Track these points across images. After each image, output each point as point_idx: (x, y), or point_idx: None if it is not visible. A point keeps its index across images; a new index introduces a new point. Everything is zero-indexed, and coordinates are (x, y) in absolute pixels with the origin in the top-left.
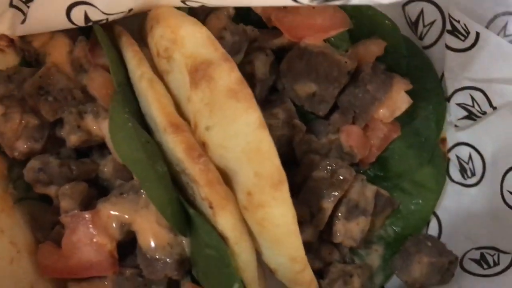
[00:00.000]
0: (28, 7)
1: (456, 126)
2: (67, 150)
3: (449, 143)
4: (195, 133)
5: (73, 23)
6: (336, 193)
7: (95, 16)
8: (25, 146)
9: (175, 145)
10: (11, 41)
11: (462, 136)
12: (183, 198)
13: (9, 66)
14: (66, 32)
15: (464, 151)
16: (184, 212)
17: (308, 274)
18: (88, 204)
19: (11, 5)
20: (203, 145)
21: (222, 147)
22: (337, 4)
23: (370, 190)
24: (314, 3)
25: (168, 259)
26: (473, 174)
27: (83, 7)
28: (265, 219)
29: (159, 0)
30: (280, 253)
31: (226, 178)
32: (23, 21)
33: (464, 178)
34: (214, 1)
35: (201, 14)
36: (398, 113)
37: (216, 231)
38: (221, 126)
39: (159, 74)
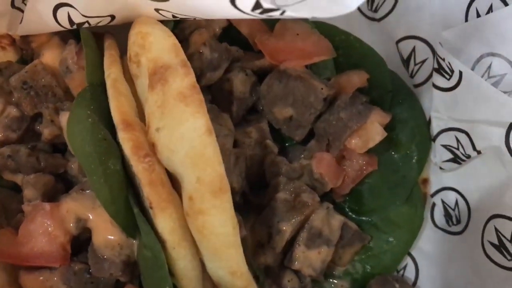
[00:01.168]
0: None
1: (441, 168)
2: (43, 144)
3: (435, 186)
4: (147, 134)
5: (61, 25)
6: (297, 217)
7: (77, 18)
8: (1, 135)
9: (123, 142)
10: (13, 40)
11: (448, 181)
12: (137, 199)
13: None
14: (60, 35)
15: (450, 197)
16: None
17: None
18: (53, 197)
19: (13, 6)
20: (153, 146)
21: (169, 149)
22: (274, 17)
23: (337, 220)
24: (255, 13)
25: (115, 259)
26: (458, 222)
27: (66, 9)
28: (205, 227)
29: (140, 10)
30: (220, 266)
31: (175, 182)
32: (21, 21)
33: (449, 225)
34: (183, 12)
35: (187, 30)
36: (371, 144)
37: (154, 233)
38: (169, 129)
39: (131, 79)
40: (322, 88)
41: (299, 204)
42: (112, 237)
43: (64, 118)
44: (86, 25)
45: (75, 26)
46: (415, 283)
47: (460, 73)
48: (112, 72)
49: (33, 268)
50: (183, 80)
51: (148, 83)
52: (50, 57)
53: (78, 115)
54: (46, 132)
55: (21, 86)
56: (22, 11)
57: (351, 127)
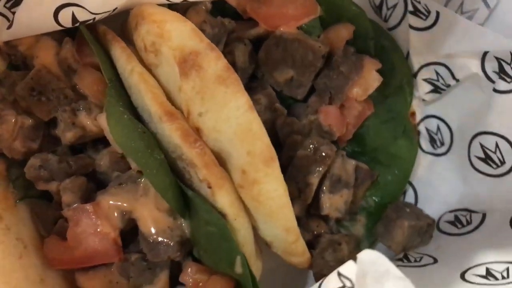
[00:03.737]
0: (13, 13)
1: (423, 100)
2: (62, 148)
3: (418, 117)
4: (188, 120)
5: (60, 25)
6: (320, 169)
7: (83, 16)
8: (22, 146)
9: (171, 132)
10: None
11: (429, 110)
12: (181, 182)
13: None
14: (50, 34)
15: (432, 123)
16: (181, 195)
17: (301, 244)
18: (87, 197)
19: None
20: (197, 131)
21: (216, 131)
22: None
23: (350, 164)
24: None
25: (170, 242)
26: (442, 144)
27: (70, 9)
28: (260, 194)
29: None
30: (275, 225)
31: (220, 160)
32: (9, 27)
33: (434, 148)
34: None
35: (180, 9)
36: (371, 90)
37: (215, 209)
38: (213, 112)
39: (147, 68)
40: (319, 47)
41: (320, 156)
42: (161, 222)
43: (102, 119)
44: (90, 21)
45: (77, 24)
46: (415, 205)
47: (437, 12)
48: (135, 65)
49: (87, 268)
50: (216, 63)
51: (179, 71)
52: (45, 58)
53: (114, 113)
54: (69, 135)
55: (29, 93)
56: (6, 17)
57: (352, 79)
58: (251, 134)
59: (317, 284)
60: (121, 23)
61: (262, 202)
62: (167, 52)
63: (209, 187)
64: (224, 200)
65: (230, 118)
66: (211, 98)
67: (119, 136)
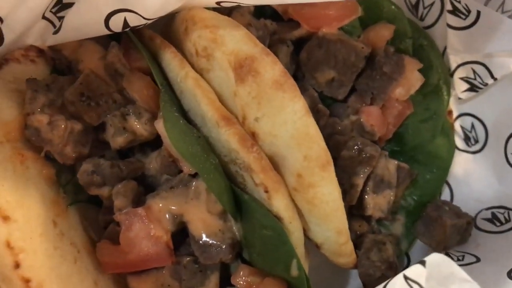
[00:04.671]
0: (59, 18)
1: (459, 98)
2: (111, 152)
3: (453, 115)
4: (243, 124)
5: (109, 30)
6: (366, 170)
7: (134, 22)
8: (73, 152)
9: (229, 137)
10: (40, 51)
11: (464, 108)
12: (235, 186)
13: (41, 75)
14: (94, 38)
15: (467, 121)
16: (233, 198)
17: (350, 245)
18: (137, 201)
19: (43, 17)
20: (253, 135)
21: (272, 135)
22: None
23: (392, 164)
24: None
25: (221, 244)
26: (476, 141)
27: (123, 14)
28: (315, 197)
29: (191, 2)
30: (328, 228)
31: (273, 164)
32: (56, 32)
33: (469, 146)
34: (250, 1)
35: (223, 13)
36: (413, 90)
37: (271, 213)
38: (269, 116)
39: (198, 73)
40: (362, 48)
41: (365, 157)
42: (212, 225)
43: (159, 125)
44: (141, 26)
45: (127, 29)
46: (451, 202)
47: (478, 12)
48: (188, 70)
49: (139, 271)
50: (273, 68)
51: (234, 76)
52: (91, 62)
53: (171, 119)
54: (120, 140)
55: (79, 99)
56: (52, 22)
57: (395, 79)
58: (308, 138)
59: (381, 285)
60: (162, 27)
61: (316, 205)
62: (221, 57)
63: (266, 191)
64: (280, 203)
65: (287, 123)
66: (268, 103)
67: (177, 141)
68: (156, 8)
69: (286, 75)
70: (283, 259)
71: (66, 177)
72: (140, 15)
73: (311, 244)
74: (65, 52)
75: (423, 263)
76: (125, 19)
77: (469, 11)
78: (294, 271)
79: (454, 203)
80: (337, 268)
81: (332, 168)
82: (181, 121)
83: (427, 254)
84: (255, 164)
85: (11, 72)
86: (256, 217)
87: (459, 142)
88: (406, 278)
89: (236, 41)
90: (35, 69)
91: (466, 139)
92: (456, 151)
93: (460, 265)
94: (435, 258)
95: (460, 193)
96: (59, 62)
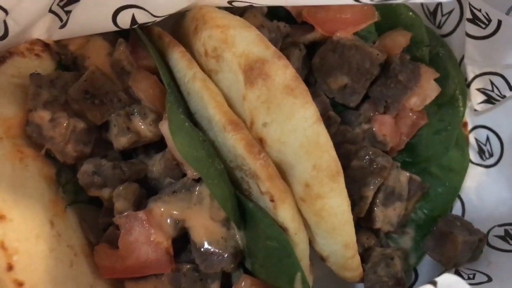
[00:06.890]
0: (66, 12)
1: (475, 110)
2: (113, 153)
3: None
4: (251, 129)
5: (117, 26)
6: (377, 181)
7: (143, 18)
8: (75, 151)
9: (235, 142)
10: (45, 46)
11: (479, 120)
12: (239, 193)
13: (46, 71)
14: (101, 34)
15: (482, 134)
16: (238, 206)
17: (357, 259)
18: (139, 204)
19: (50, 10)
20: (260, 141)
21: (280, 142)
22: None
23: (404, 176)
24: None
25: (223, 253)
26: (491, 155)
27: (131, 10)
28: (323, 209)
29: (202, 0)
30: (336, 241)
31: (280, 171)
32: (63, 26)
33: (483, 159)
34: (263, 1)
35: (236, 13)
36: (428, 101)
37: (276, 223)
38: (279, 122)
39: (207, 73)
40: (377, 54)
41: (377, 168)
42: (214, 232)
43: (164, 127)
44: (149, 23)
45: (135, 26)
46: (463, 217)
47: (499, 21)
48: (196, 71)
49: (137, 277)
50: (285, 72)
51: (244, 79)
52: (97, 59)
53: (176, 121)
54: (123, 140)
55: (83, 96)
56: (59, 16)
57: (411, 88)
58: (318, 147)
59: None
60: (172, 25)
61: (324, 218)
62: (231, 58)
63: (272, 200)
64: (286, 214)
65: (297, 130)
66: (278, 108)
67: (181, 145)
68: (166, 5)
69: (298, 80)
70: (287, 272)
71: (66, 176)
72: (149, 12)
73: (315, 256)
74: (71, 48)
75: (434, 283)
76: (133, 16)
77: (489, 20)
78: (298, 285)
79: (465, 218)
80: (342, 280)
81: (342, 179)
82: (187, 124)
83: (435, 269)
84: (261, 172)
85: (15, 66)
86: (261, 227)
87: (472, 155)
88: None
89: (247, 42)
90: (40, 64)
91: (481, 152)
92: (470, 164)
93: (471, 284)
94: (447, 279)
95: (472, 208)
96: (65, 58)
